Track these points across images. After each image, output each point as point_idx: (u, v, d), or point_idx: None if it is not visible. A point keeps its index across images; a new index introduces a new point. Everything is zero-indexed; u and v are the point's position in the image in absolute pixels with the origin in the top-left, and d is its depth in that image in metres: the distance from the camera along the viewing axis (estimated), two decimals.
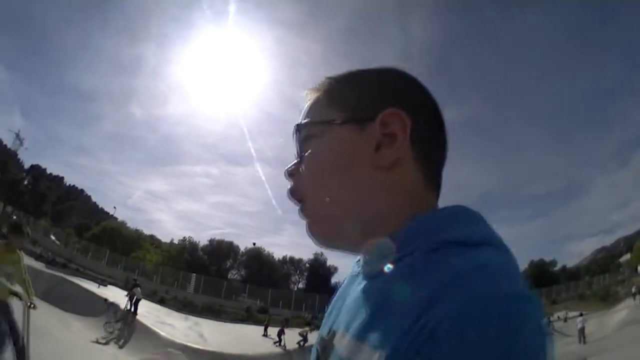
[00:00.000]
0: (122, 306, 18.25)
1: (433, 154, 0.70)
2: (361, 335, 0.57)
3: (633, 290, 31.32)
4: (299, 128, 0.73)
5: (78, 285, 21.35)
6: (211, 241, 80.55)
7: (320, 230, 0.71)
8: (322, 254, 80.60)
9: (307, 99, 0.77)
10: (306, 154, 0.71)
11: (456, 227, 0.60)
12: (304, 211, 0.71)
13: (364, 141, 0.66)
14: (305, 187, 0.72)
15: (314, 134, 0.71)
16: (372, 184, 0.66)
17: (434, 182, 0.69)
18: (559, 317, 30.19)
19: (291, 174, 0.75)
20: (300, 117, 0.75)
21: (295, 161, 0.74)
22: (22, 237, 6.52)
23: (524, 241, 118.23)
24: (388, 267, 0.61)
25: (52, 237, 50.60)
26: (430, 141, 0.69)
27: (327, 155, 0.69)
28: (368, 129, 0.67)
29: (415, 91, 0.72)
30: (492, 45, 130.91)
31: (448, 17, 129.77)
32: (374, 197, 0.65)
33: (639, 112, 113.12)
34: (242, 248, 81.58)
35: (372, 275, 0.64)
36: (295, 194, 0.73)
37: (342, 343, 0.61)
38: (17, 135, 78.08)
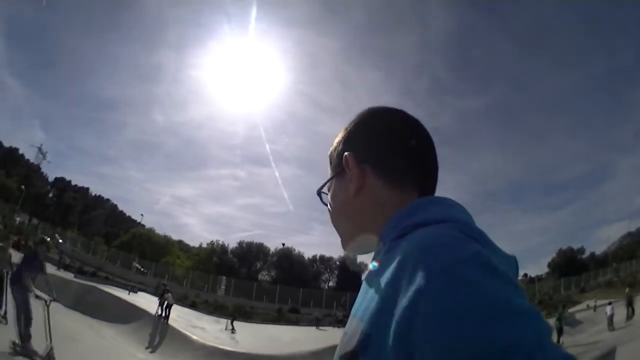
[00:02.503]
0: (153, 312, 18.24)
1: (391, 165, 0.90)
2: (355, 312, 0.79)
3: None
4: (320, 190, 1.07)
5: (108, 293, 21.38)
6: (240, 243, 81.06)
7: (342, 244, 1.00)
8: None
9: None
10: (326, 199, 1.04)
11: (419, 214, 0.78)
12: None
13: (344, 184, 0.94)
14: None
15: (328, 187, 1.04)
16: (353, 210, 0.92)
17: (404, 185, 0.89)
18: (588, 306, 29.72)
19: None
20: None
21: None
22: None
23: (552, 229, 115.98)
24: (372, 262, 0.83)
25: (78, 247, 51.08)
26: (384, 159, 0.91)
27: (331, 200, 1.00)
28: (342, 174, 0.95)
29: (363, 130, 0.98)
30: (509, 32, 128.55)
31: (465, 6, 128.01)
32: (357, 219, 0.92)
33: None
34: (271, 249, 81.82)
35: (371, 270, 0.83)
36: None
37: (350, 322, 0.80)
38: (40, 149, 79.17)
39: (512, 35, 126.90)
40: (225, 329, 23.40)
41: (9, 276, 10.26)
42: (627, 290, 23.95)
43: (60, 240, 48.21)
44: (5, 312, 10.46)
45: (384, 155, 0.92)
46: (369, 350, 0.66)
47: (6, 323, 9.96)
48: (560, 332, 19.55)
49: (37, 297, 8.99)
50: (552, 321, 22.42)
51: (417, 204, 0.84)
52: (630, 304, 22.10)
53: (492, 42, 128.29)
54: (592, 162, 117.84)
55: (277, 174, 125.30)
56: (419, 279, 0.59)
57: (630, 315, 21.33)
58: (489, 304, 0.54)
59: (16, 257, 11.68)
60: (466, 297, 0.55)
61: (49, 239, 10.51)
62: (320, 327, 31.70)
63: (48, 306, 8.80)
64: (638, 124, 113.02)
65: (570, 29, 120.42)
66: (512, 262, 0.73)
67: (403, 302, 0.60)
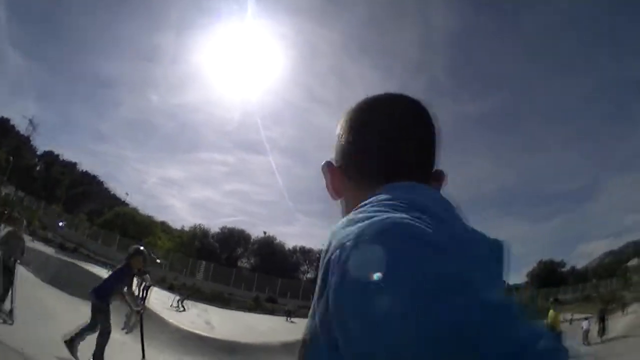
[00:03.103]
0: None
1: (355, 165, 0.92)
2: None
3: None
4: None
5: (88, 271, 21.42)
6: (223, 229, 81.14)
7: None
8: None
9: None
10: None
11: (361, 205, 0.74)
12: None
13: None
14: None
15: None
16: (341, 211, 0.94)
17: (371, 181, 0.86)
18: (564, 319, 30.10)
19: None
20: None
21: None
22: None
23: (536, 240, 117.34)
24: None
25: (61, 223, 50.73)
26: (349, 159, 0.93)
27: None
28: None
29: (337, 133, 0.99)
30: (513, 37, 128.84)
31: (469, 7, 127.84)
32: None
33: None
34: (253, 237, 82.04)
35: None
36: None
37: None
38: (31, 121, 78.41)
39: (516, 41, 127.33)
40: (171, 306, 22.39)
41: (16, 265, 9.80)
42: (600, 306, 24.12)
43: (61, 224, 48.12)
44: (12, 311, 9.22)
45: (348, 157, 0.93)
46: (312, 338, 0.66)
47: (12, 323, 8.95)
48: None
49: (130, 308, 9.00)
50: None
51: (378, 194, 0.78)
52: (602, 320, 22.07)
53: (495, 46, 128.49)
54: (584, 177, 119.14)
55: (272, 161, 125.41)
56: (325, 259, 0.63)
57: (601, 331, 21.31)
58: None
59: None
60: (352, 268, 0.54)
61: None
62: (292, 320, 31.39)
63: (141, 316, 9.11)
64: (631, 143, 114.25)
65: (575, 39, 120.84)
66: (479, 243, 0.69)
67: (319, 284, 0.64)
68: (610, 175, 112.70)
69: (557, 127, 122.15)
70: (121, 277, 8.34)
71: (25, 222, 11.08)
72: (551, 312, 12.85)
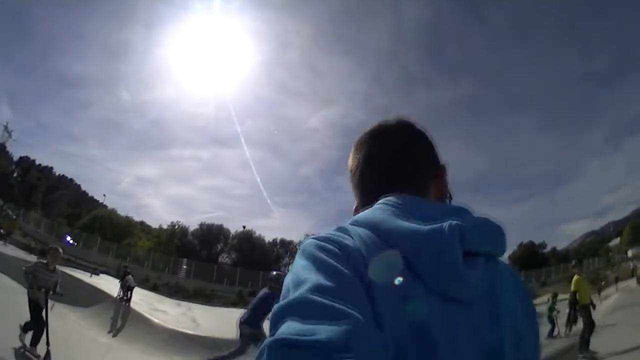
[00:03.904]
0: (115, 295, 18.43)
1: (359, 189, 1.04)
2: None
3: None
4: None
5: (70, 275, 21.39)
6: (201, 225, 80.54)
7: None
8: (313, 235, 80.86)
9: None
10: None
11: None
12: None
13: None
14: None
15: None
16: None
17: (367, 201, 0.95)
18: (548, 299, 30.34)
19: None
20: None
21: None
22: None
23: (515, 223, 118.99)
24: None
25: (40, 229, 50.29)
26: (355, 186, 1.06)
27: None
28: None
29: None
30: (484, 27, 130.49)
31: None
32: None
33: (630, 96, 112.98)
34: (232, 231, 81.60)
35: None
36: None
37: None
38: (6, 128, 77.10)
39: (487, 32, 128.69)
40: (117, 297, 19.84)
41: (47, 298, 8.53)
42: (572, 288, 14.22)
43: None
44: (48, 354, 7.99)
45: (355, 186, 1.07)
46: None
47: None
48: (553, 324, 16.76)
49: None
50: None
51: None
52: (572, 307, 15.00)
53: (466, 37, 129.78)
54: (559, 161, 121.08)
55: (248, 154, 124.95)
56: None
57: (573, 319, 15.44)
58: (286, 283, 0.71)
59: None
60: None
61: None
62: None
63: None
64: (608, 126, 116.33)
65: (547, 27, 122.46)
66: (434, 238, 0.75)
67: None
68: (584, 159, 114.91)
69: (528, 113, 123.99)
70: (270, 302, 8.60)
71: (61, 252, 9.60)
72: (576, 277, 11.51)
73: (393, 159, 1.00)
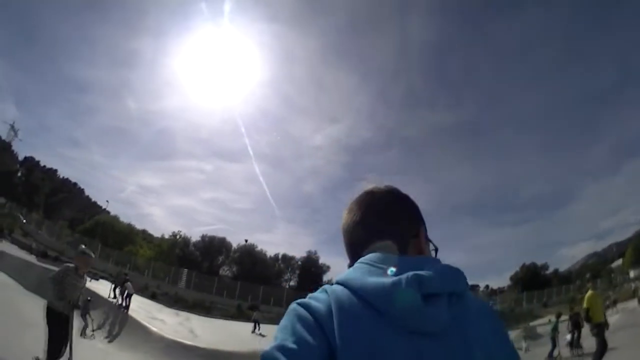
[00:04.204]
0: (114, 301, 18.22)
1: (348, 248, 1.22)
2: None
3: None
4: None
5: None
6: (203, 237, 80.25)
7: None
8: (315, 252, 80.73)
9: None
10: None
11: None
12: None
13: None
14: None
15: None
16: None
17: (356, 258, 1.11)
18: (550, 320, 29.99)
19: None
20: None
21: None
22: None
23: (517, 244, 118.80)
24: None
25: (42, 231, 50.13)
26: (345, 245, 1.23)
27: None
28: None
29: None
30: (487, 48, 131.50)
31: (444, 18, 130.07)
32: None
33: (631, 119, 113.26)
34: (234, 244, 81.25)
35: None
36: None
37: None
38: (12, 127, 77.62)
39: (490, 52, 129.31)
40: (115, 303, 19.98)
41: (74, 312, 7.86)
42: (573, 308, 17.37)
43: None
44: None
45: (343, 239, 1.26)
46: None
47: None
48: (554, 345, 16.29)
49: None
50: (516, 333, 22.64)
51: None
52: (576, 327, 15.66)
53: (469, 56, 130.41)
54: (560, 183, 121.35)
55: (257, 168, 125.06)
56: None
57: (576, 342, 15.56)
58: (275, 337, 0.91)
59: None
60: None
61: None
62: (261, 332, 26.85)
63: None
64: (608, 149, 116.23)
65: (549, 50, 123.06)
66: (394, 289, 0.92)
67: None
68: (584, 182, 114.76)
69: (530, 135, 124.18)
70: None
71: (93, 257, 8.45)
72: (590, 292, 10.82)
73: (377, 223, 1.17)
